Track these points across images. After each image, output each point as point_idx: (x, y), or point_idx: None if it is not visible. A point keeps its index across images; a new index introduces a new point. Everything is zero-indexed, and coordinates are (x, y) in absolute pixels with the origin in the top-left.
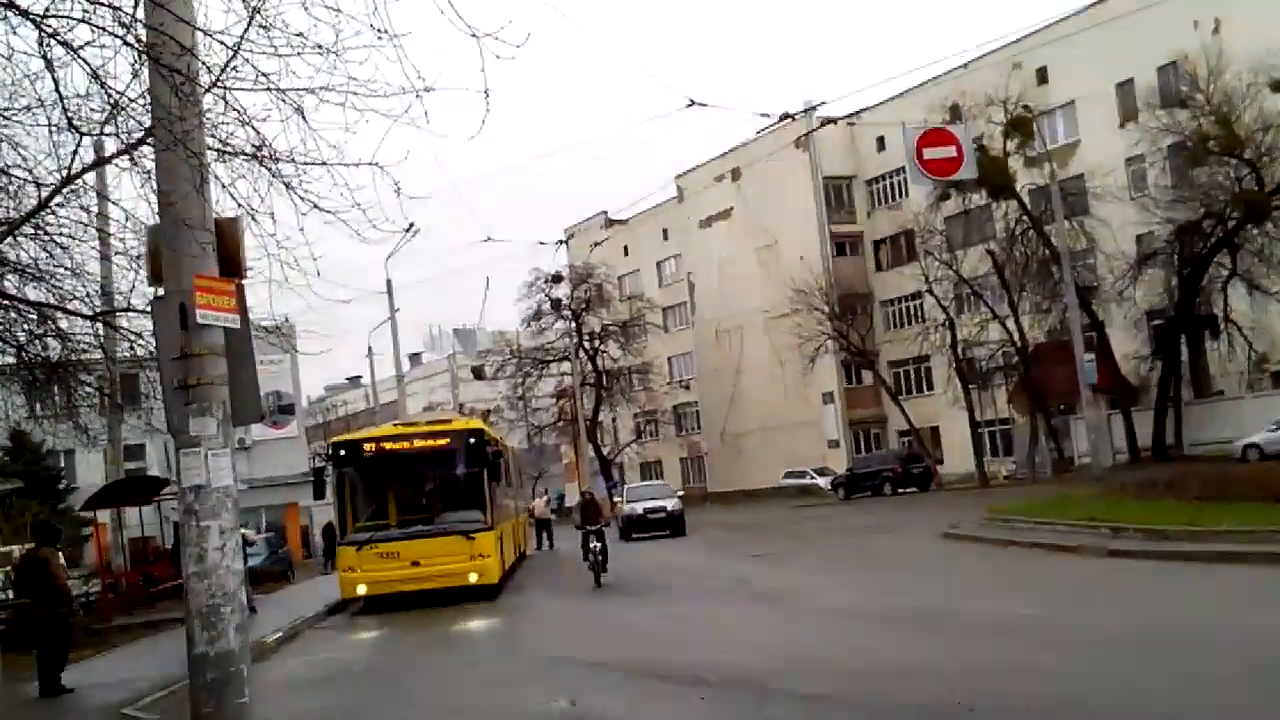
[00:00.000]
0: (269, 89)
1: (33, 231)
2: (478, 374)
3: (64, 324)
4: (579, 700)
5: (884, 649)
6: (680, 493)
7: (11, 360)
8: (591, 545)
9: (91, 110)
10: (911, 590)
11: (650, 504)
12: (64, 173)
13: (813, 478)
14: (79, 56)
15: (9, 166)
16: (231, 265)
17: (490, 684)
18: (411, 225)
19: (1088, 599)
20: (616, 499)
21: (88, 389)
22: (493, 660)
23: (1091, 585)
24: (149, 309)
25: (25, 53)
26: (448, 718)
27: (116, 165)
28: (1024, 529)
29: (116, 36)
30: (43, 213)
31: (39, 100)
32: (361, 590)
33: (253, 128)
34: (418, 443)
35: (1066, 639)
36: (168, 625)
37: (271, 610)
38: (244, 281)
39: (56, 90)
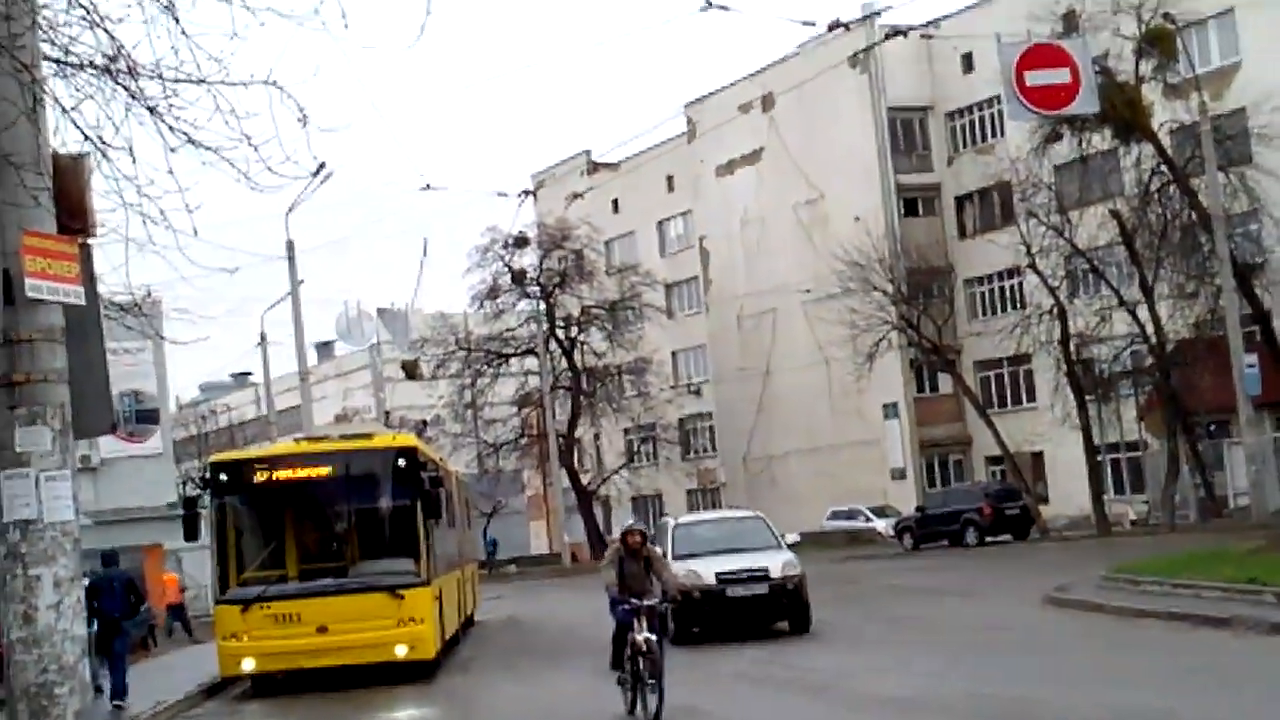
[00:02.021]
0: None
1: None
2: (410, 372)
3: None
4: None
5: None
6: (792, 537)
7: None
8: (638, 637)
9: None
10: (1001, 675)
11: (734, 565)
12: None
13: (868, 519)
14: None
15: None
16: (75, 219)
17: None
18: (322, 167)
19: (1238, 690)
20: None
21: None
22: None
23: (1246, 672)
24: None
25: None
26: None
27: None
28: (1158, 594)
29: None
30: None
31: None
32: (248, 666)
33: (105, 30)
34: (328, 464)
35: None
36: None
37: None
38: (91, 241)
39: None
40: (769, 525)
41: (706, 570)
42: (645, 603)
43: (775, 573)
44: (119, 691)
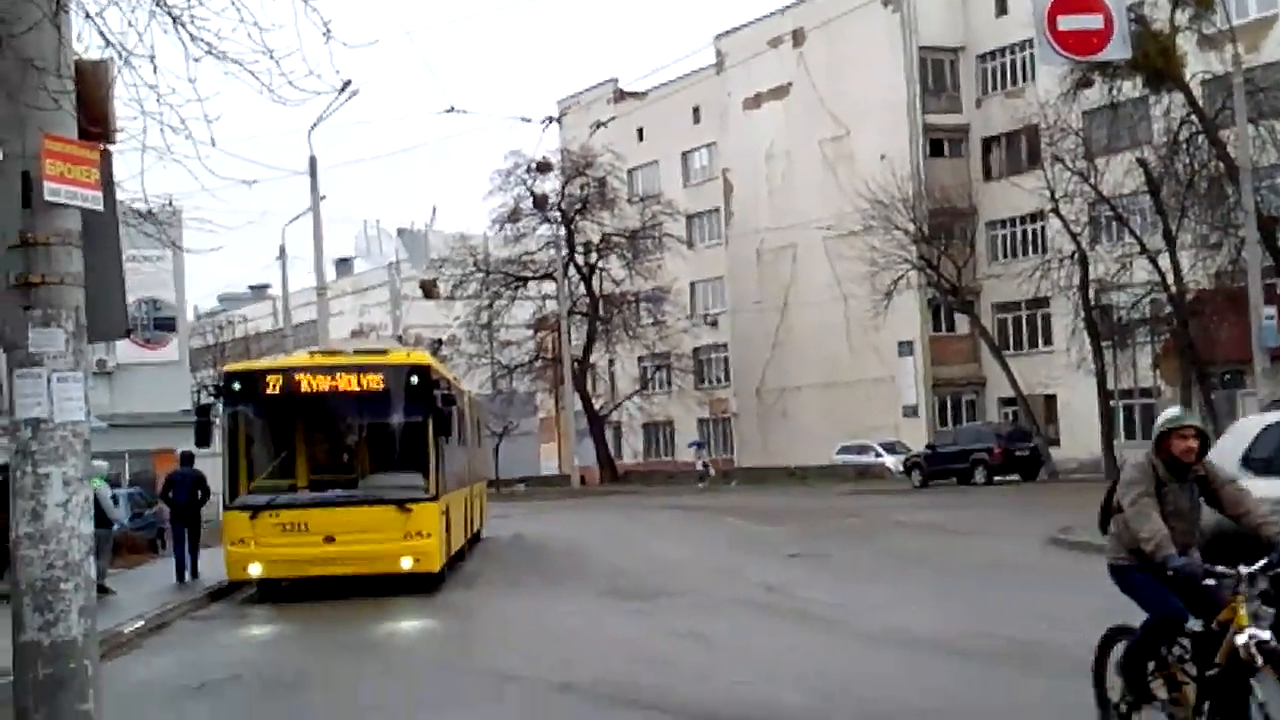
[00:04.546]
0: None
1: None
2: (428, 291)
3: None
4: None
5: (958, 690)
6: None
7: None
8: (1239, 640)
9: None
10: (1001, 613)
11: None
12: None
13: (878, 454)
14: None
15: None
16: (96, 125)
17: (420, 706)
18: (347, 84)
19: None
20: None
21: None
22: (425, 675)
23: None
24: None
25: None
26: None
27: None
28: None
29: None
30: None
31: None
32: (255, 571)
33: None
34: (341, 378)
35: None
36: None
37: (133, 591)
38: (112, 148)
39: None
40: None
41: None
42: (1248, 568)
43: None
44: (194, 567)
